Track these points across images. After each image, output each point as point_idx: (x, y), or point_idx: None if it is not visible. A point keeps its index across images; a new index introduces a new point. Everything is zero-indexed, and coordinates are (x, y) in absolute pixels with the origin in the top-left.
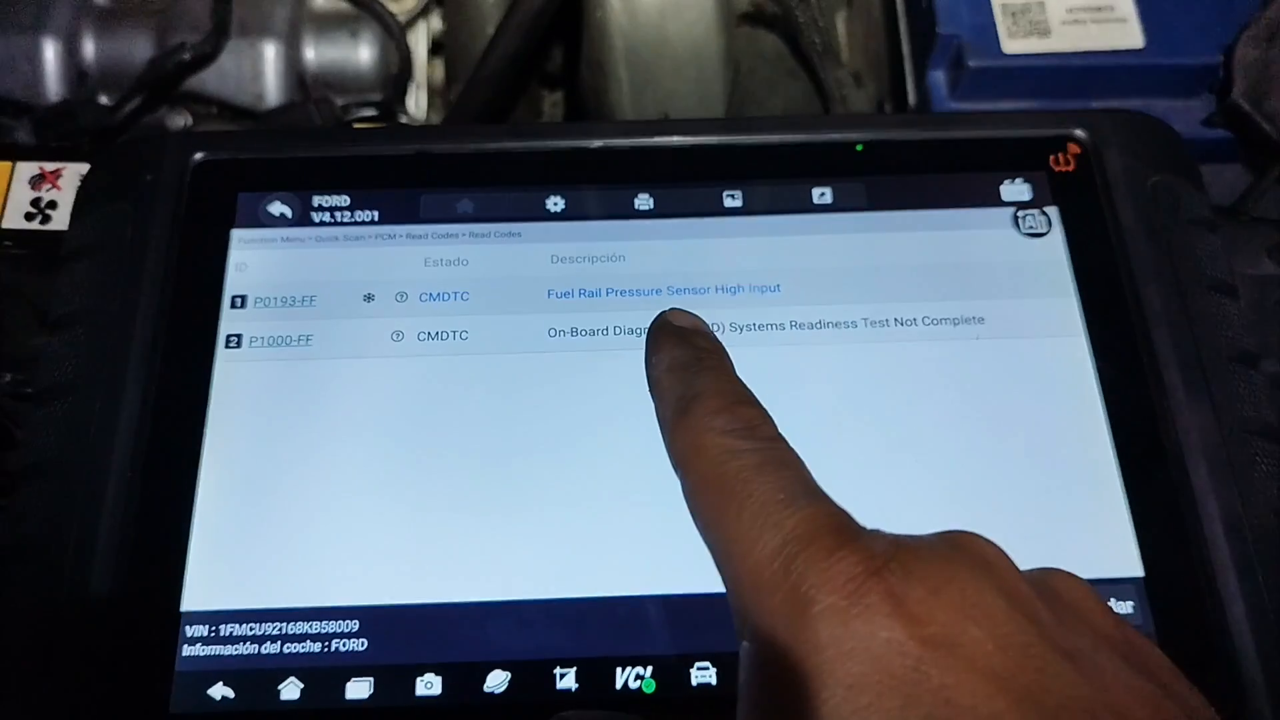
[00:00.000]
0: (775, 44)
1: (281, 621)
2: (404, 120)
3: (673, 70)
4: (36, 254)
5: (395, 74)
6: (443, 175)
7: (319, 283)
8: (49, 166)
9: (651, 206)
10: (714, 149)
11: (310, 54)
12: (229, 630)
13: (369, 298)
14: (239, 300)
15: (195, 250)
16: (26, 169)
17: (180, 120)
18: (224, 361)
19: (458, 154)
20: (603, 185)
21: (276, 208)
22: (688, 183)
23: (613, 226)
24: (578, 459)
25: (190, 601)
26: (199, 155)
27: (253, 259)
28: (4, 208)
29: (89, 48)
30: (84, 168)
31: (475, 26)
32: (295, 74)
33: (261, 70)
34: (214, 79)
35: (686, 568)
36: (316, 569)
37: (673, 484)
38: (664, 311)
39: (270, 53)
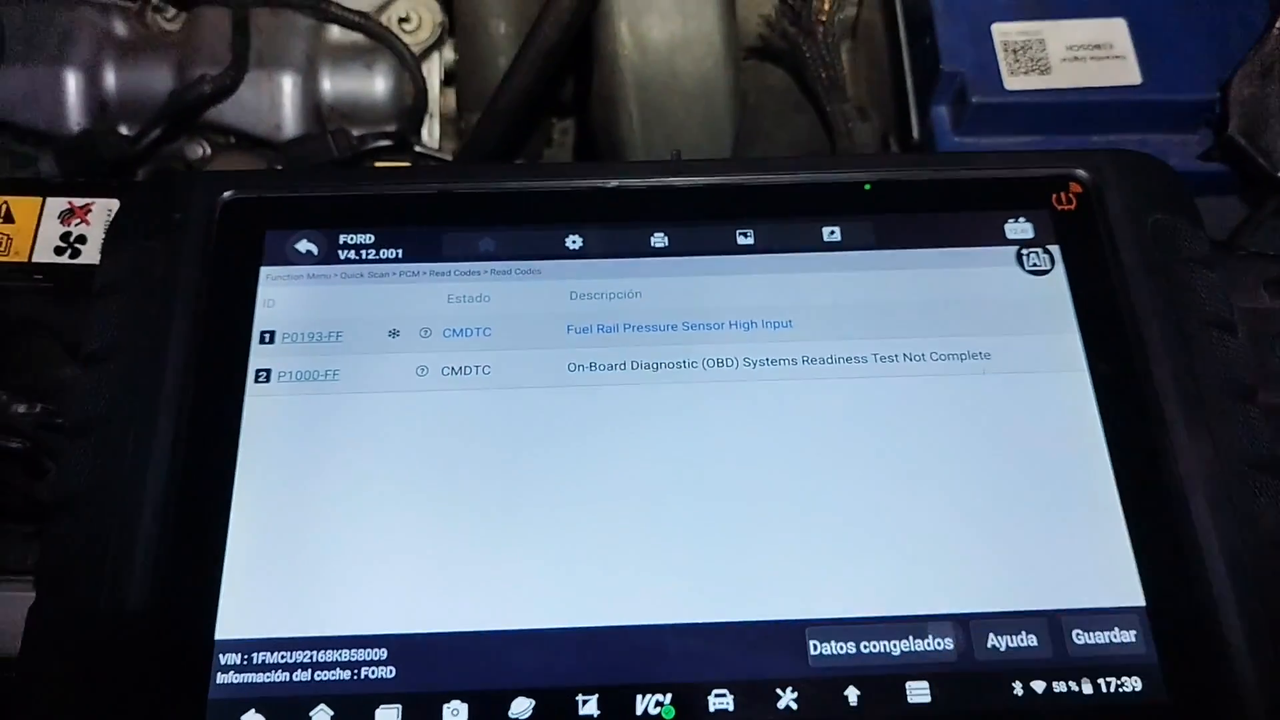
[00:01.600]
0: (782, 78)
1: (312, 650)
2: (419, 149)
3: (682, 104)
4: (64, 287)
5: (410, 105)
6: (465, 214)
7: (345, 319)
8: (78, 202)
9: (667, 244)
10: (727, 188)
11: (327, 85)
12: (261, 658)
13: (394, 333)
14: (268, 336)
15: (224, 287)
16: (56, 204)
17: (199, 150)
18: (253, 396)
19: (479, 193)
20: (619, 224)
21: (303, 245)
22: (701, 221)
23: (629, 264)
24: (598, 490)
25: (224, 630)
26: (228, 194)
27: (280, 295)
28: (34, 241)
29: (110, 79)
30: (113, 203)
31: (487, 57)
32: (312, 105)
33: (279, 101)
34: (233, 110)
35: (704, 597)
36: (346, 598)
37: (690, 514)
38: None
39: (288, 84)
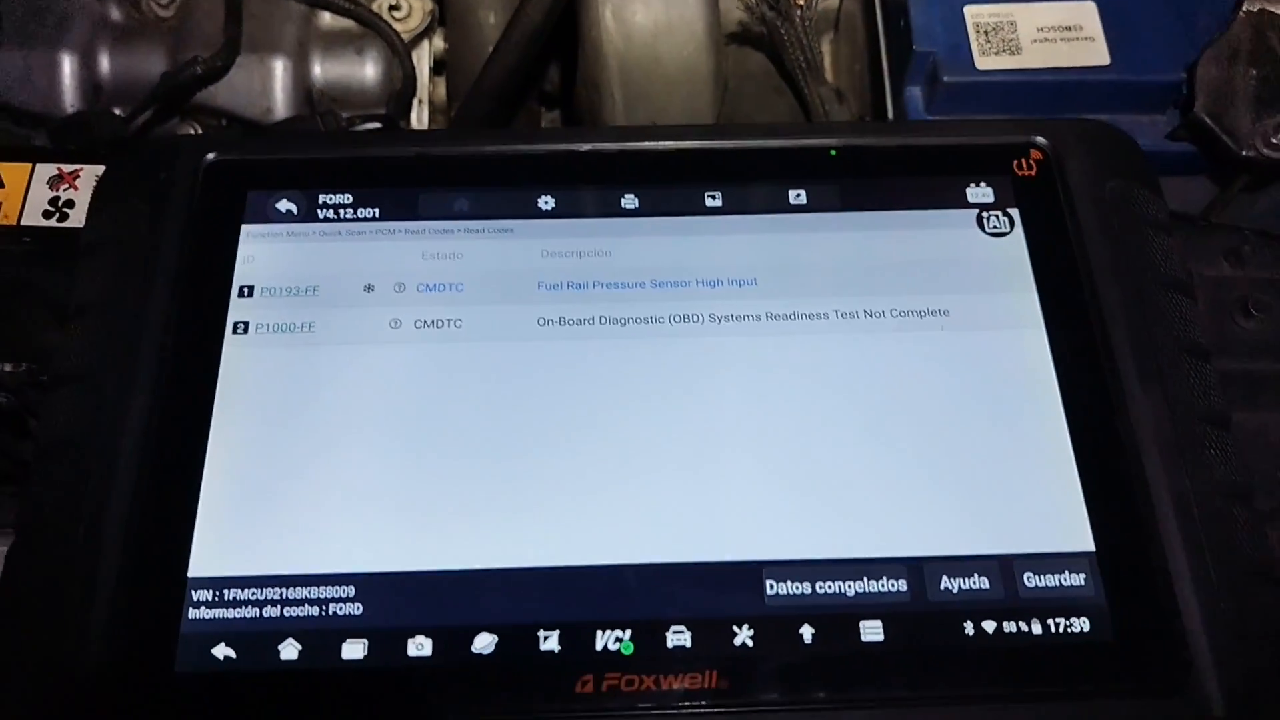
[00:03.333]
0: (762, 62)
1: (281, 587)
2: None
3: (664, 88)
4: (53, 250)
5: (399, 90)
6: (440, 175)
7: (322, 274)
8: (67, 168)
9: (637, 206)
10: (696, 153)
11: (317, 70)
12: (232, 595)
13: (369, 288)
14: (247, 290)
15: (206, 244)
16: (45, 170)
17: (190, 131)
18: (231, 346)
19: (454, 156)
20: (591, 186)
21: (283, 205)
22: (671, 184)
23: (600, 224)
24: (562, 437)
25: (196, 568)
26: (211, 156)
27: (260, 252)
28: (23, 206)
29: (104, 62)
30: (100, 169)
31: (476, 46)
32: (303, 89)
33: (270, 85)
34: (224, 92)
35: (664, 539)
36: (315, 538)
37: (648, 461)
38: None
39: (279, 68)
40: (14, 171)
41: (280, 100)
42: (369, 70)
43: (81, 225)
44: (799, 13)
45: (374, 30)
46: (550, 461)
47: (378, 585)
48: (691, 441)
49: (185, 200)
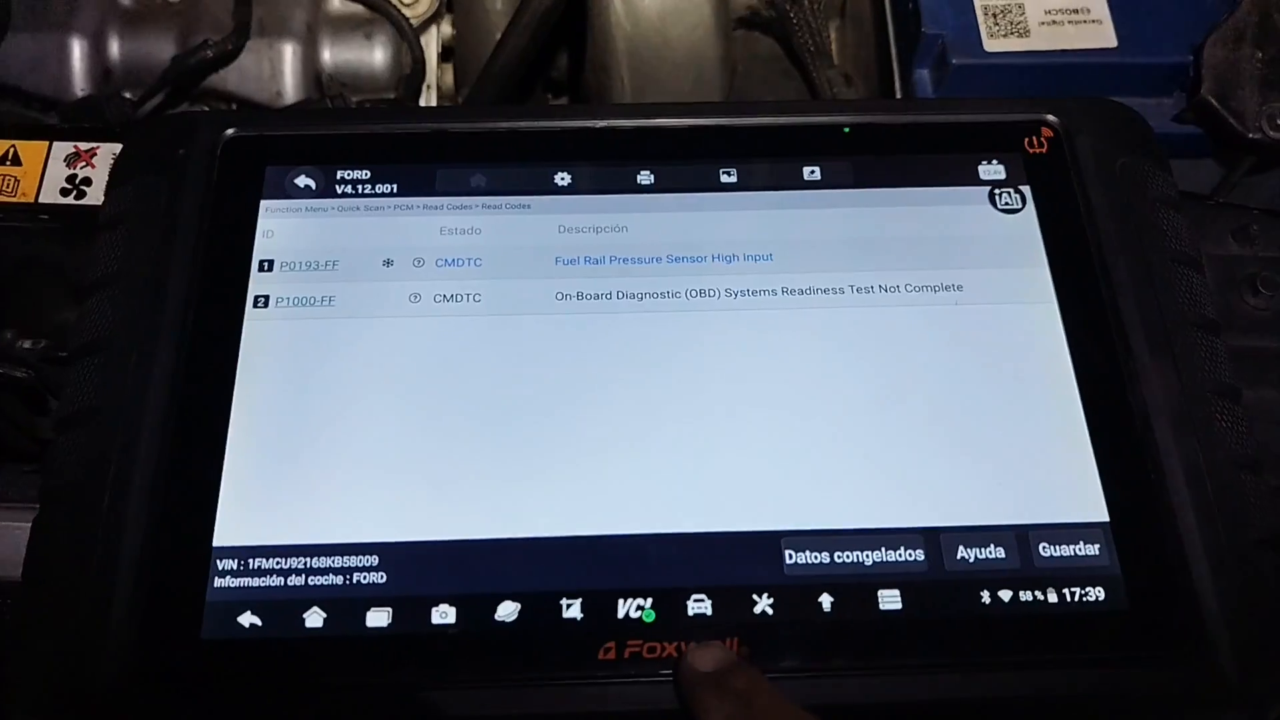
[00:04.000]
0: (770, 46)
1: (306, 556)
2: None
3: (673, 72)
4: (70, 227)
5: (408, 75)
6: (458, 151)
7: (341, 249)
8: (84, 146)
9: (652, 182)
10: (711, 129)
11: (327, 54)
12: (257, 564)
13: (388, 263)
14: (267, 264)
15: (226, 219)
16: (63, 148)
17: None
18: (252, 319)
19: (472, 132)
20: (607, 162)
21: (302, 180)
22: (686, 160)
23: (616, 200)
24: (584, 409)
25: (221, 537)
26: (230, 131)
27: (279, 227)
28: (41, 183)
29: (114, 46)
30: (117, 147)
31: (484, 32)
32: (312, 73)
33: (280, 69)
34: (234, 76)
35: (686, 509)
36: (339, 508)
37: (673, 431)
38: (688, 656)
39: (288, 52)
40: (32, 149)
41: (290, 84)
42: (378, 55)
43: (99, 203)
44: None
45: (383, 15)
46: (570, 433)
47: (401, 554)
48: (710, 414)
49: (204, 176)
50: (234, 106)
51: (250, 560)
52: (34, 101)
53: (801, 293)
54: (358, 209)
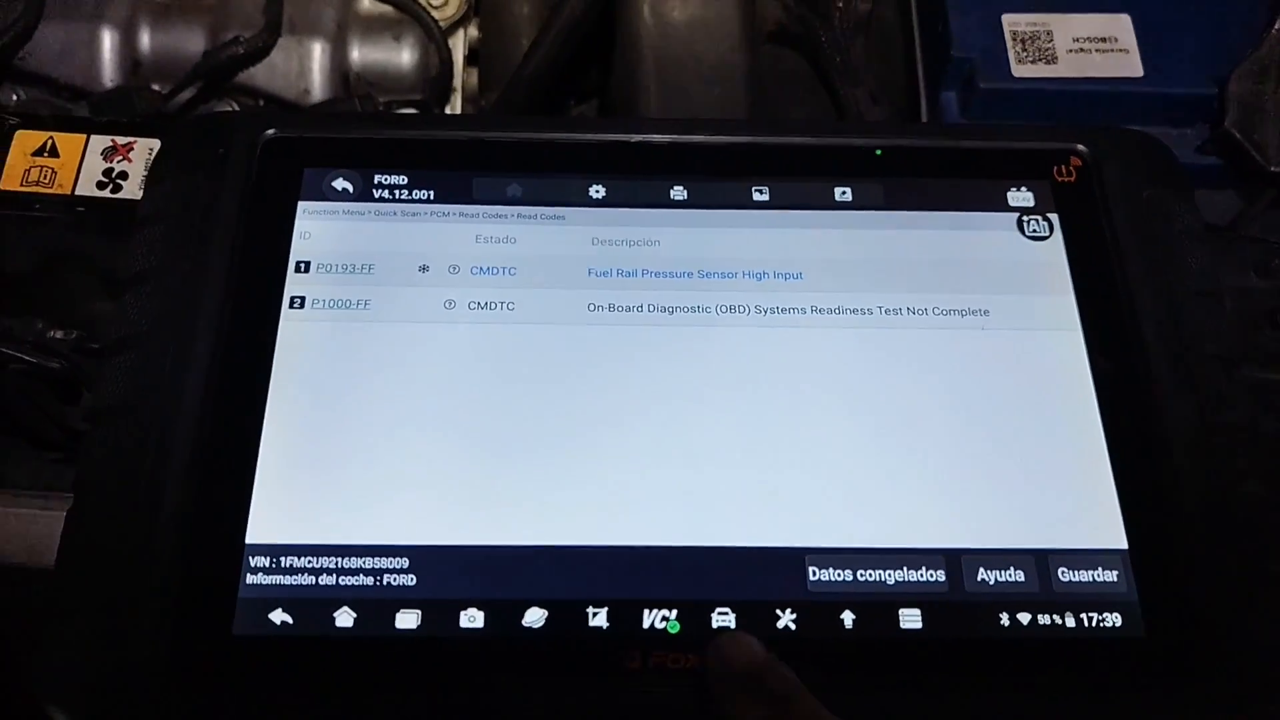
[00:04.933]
0: (798, 62)
1: (338, 556)
2: None
3: (700, 84)
4: (106, 220)
5: (435, 76)
6: (494, 160)
7: (377, 253)
8: (121, 140)
9: (685, 197)
10: (745, 147)
11: (355, 54)
12: (289, 562)
13: (424, 268)
14: (303, 265)
15: (263, 219)
16: (100, 141)
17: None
18: (288, 320)
19: (509, 142)
20: (641, 176)
21: (340, 183)
22: (719, 177)
23: (649, 214)
24: (614, 420)
25: (254, 535)
26: (270, 132)
27: (316, 229)
28: (78, 176)
29: (144, 39)
30: (153, 143)
31: (509, 37)
32: (340, 72)
33: (309, 67)
34: (263, 73)
35: (712, 523)
36: (370, 509)
37: (700, 446)
38: (720, 644)
39: (318, 50)
40: (69, 142)
41: (318, 82)
42: (405, 56)
43: (135, 197)
44: (837, 15)
45: (412, 17)
46: (600, 444)
47: (432, 558)
48: (738, 430)
49: (243, 175)
50: (261, 103)
51: (282, 558)
52: (63, 91)
53: (831, 312)
54: (394, 214)
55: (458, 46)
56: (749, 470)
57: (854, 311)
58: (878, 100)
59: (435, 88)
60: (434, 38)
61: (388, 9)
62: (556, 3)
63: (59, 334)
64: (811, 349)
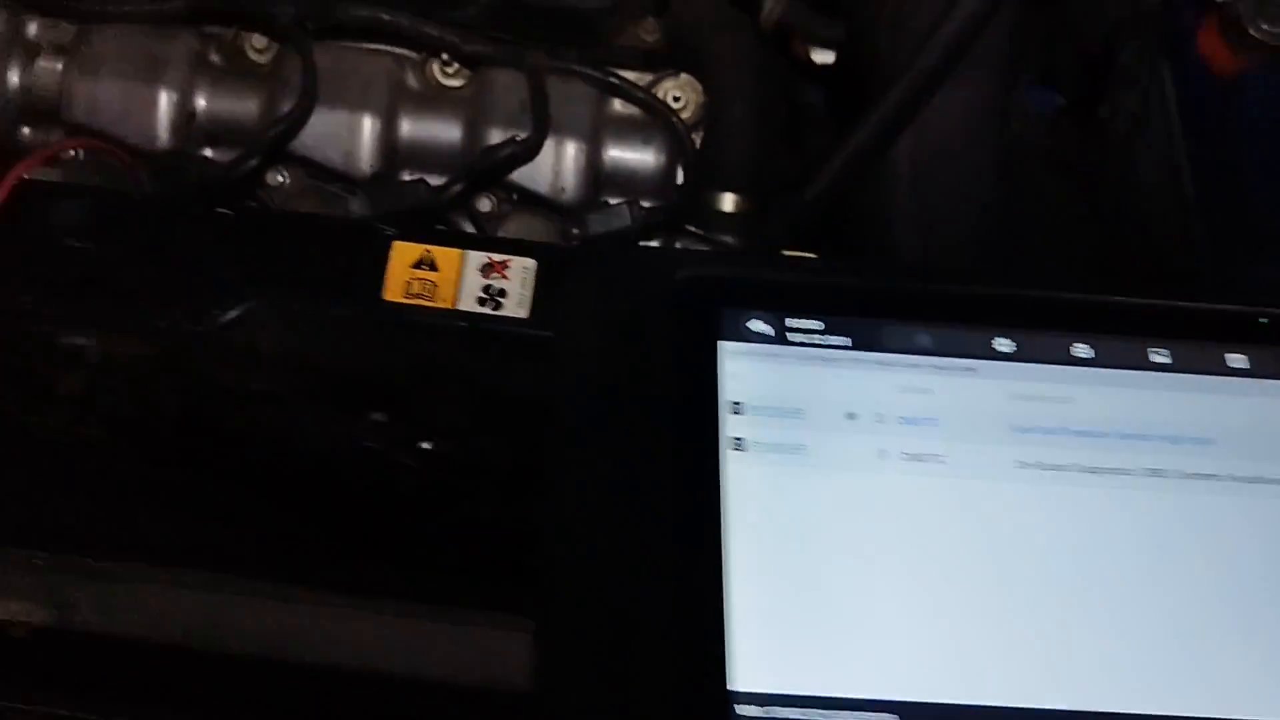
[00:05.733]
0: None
1: (826, 709)
2: (690, 230)
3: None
4: (484, 336)
5: (685, 181)
6: (905, 310)
7: (804, 397)
8: (496, 257)
9: (1092, 355)
10: (1141, 308)
11: (609, 154)
12: (778, 713)
13: (851, 416)
14: (737, 406)
15: (689, 358)
16: (476, 257)
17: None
18: (733, 462)
19: (917, 292)
20: (1046, 331)
21: (757, 325)
22: (1122, 336)
23: (1058, 371)
24: (1052, 581)
25: (739, 682)
26: (684, 272)
27: (741, 370)
28: (458, 291)
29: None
30: (529, 262)
31: (723, 138)
32: (593, 173)
33: (565, 167)
34: (527, 173)
35: (1155, 688)
36: (852, 660)
37: (1132, 611)
38: None
39: (571, 150)
40: (447, 256)
41: (572, 182)
42: (651, 158)
43: (514, 314)
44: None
45: (662, 120)
46: (1052, 605)
47: (920, 715)
48: (1169, 597)
49: (662, 312)
50: (515, 197)
51: (770, 708)
52: (323, 173)
53: (1248, 480)
54: (814, 359)
55: None
56: (1207, 641)
57: (1271, 481)
58: None
59: (685, 192)
60: (684, 142)
61: (635, 110)
62: (844, 133)
63: (426, 445)
64: (1230, 516)
